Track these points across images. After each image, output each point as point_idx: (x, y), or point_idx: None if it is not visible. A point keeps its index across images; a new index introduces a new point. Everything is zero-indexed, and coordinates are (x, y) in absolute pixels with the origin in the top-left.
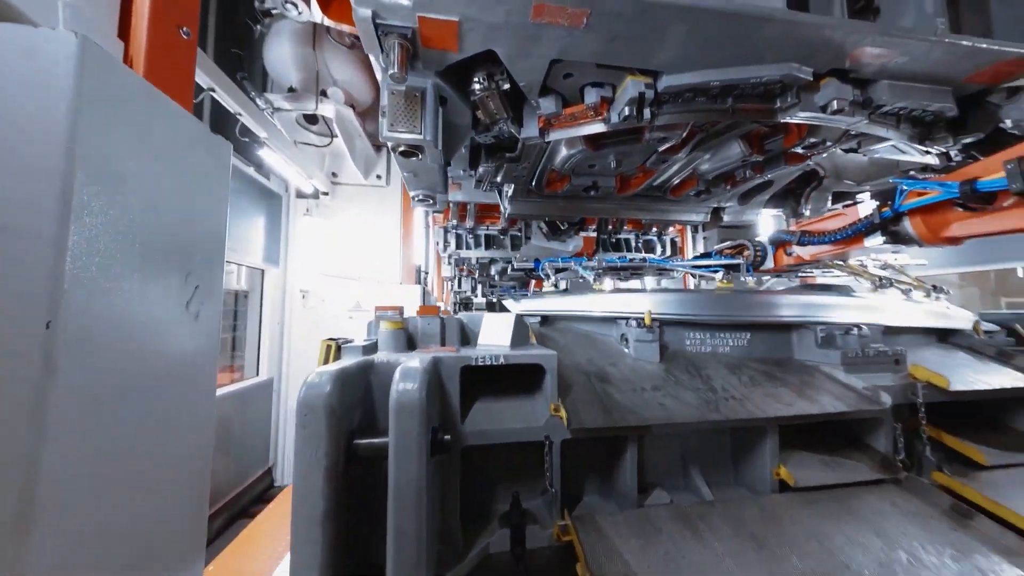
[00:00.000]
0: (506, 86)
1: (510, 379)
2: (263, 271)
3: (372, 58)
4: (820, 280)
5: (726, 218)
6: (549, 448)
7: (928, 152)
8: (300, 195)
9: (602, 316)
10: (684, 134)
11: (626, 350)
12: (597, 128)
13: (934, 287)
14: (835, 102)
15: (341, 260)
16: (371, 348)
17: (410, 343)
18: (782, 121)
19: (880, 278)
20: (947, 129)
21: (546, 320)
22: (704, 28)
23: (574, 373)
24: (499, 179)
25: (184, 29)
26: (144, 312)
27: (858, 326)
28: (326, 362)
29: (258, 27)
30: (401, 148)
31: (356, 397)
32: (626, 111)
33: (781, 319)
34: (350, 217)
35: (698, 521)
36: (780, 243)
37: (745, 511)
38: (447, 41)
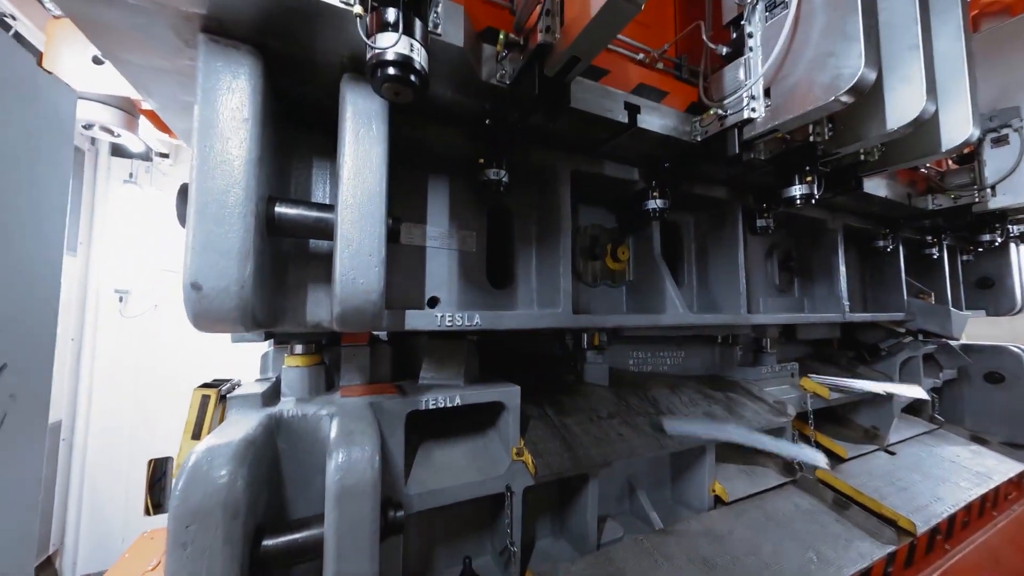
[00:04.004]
0: None
1: (460, 416)
2: None
3: None
4: None
5: None
6: (510, 499)
7: None
8: (120, 153)
9: (546, 335)
10: None
11: (575, 373)
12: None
13: None
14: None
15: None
16: (271, 394)
17: (327, 380)
18: None
19: None
20: None
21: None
22: None
23: (526, 403)
24: None
25: None
26: None
27: (767, 344)
28: (200, 424)
29: None
30: None
31: (263, 478)
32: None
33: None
34: None
35: (655, 553)
36: None
37: (692, 533)
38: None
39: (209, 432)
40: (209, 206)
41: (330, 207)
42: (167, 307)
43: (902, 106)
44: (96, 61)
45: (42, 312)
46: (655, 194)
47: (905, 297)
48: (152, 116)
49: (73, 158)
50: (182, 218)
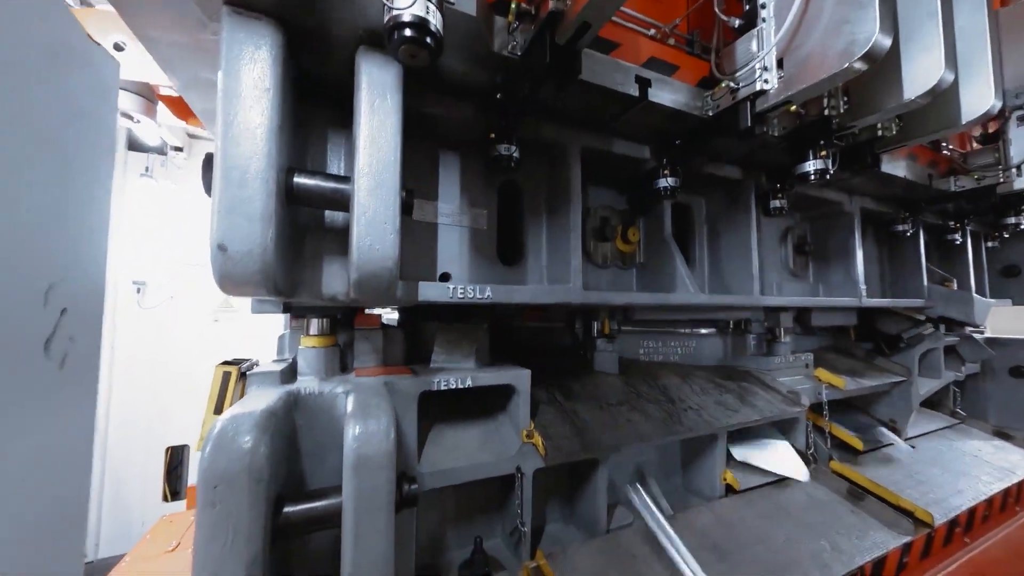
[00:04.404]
0: None
1: (471, 399)
2: None
3: None
4: None
5: None
6: (520, 480)
7: None
8: (136, 147)
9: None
10: None
11: (586, 361)
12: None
13: None
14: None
15: (202, 241)
16: (289, 373)
17: (342, 362)
18: None
19: None
20: None
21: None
22: None
23: (536, 389)
24: None
25: None
26: None
27: (780, 333)
28: (222, 398)
29: None
30: None
31: (282, 449)
32: (594, 328)
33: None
34: None
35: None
36: None
37: (702, 521)
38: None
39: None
40: (233, 172)
41: (346, 179)
42: (182, 298)
43: (920, 75)
44: (116, 48)
45: (92, 270)
46: (666, 172)
47: (925, 283)
48: (169, 102)
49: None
50: (208, 186)
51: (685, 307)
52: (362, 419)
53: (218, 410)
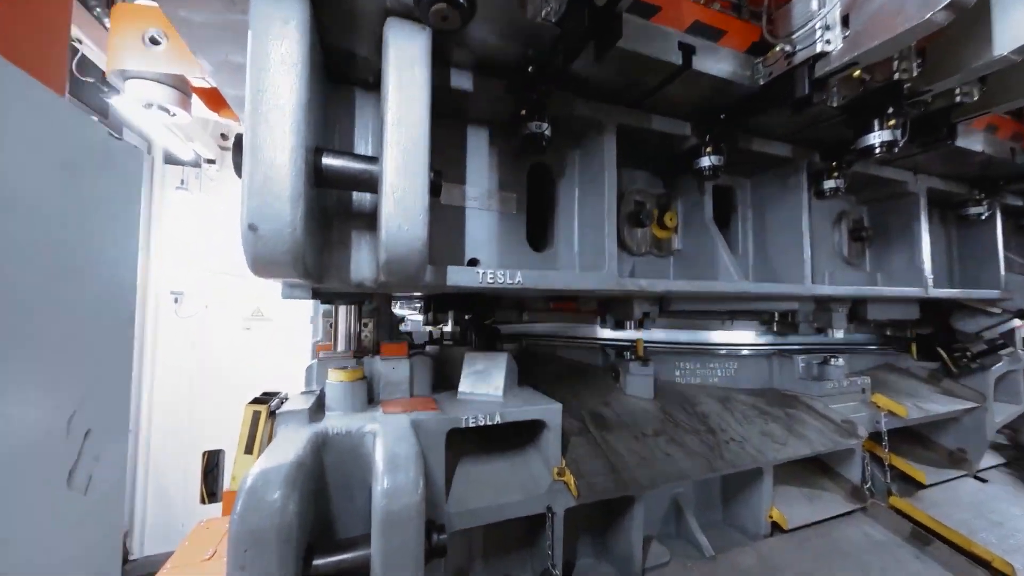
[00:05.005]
0: None
1: (499, 431)
2: None
3: None
4: None
5: None
6: (551, 520)
7: None
8: (171, 161)
9: (587, 343)
10: None
11: (616, 384)
12: (586, 322)
13: None
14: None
15: (233, 251)
16: (317, 408)
17: (369, 393)
18: None
19: None
20: None
21: (523, 346)
22: None
23: (566, 417)
24: None
25: None
26: None
27: (834, 355)
28: (252, 438)
29: None
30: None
31: (311, 496)
32: (627, 325)
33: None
34: None
35: None
36: None
37: (746, 562)
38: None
39: (260, 446)
40: (262, 150)
41: (374, 159)
42: (216, 308)
43: (1014, 27)
44: (153, 42)
45: (117, 384)
46: (708, 150)
47: (1003, 272)
48: (203, 94)
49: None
50: (238, 168)
51: (728, 296)
52: (390, 472)
53: (248, 449)
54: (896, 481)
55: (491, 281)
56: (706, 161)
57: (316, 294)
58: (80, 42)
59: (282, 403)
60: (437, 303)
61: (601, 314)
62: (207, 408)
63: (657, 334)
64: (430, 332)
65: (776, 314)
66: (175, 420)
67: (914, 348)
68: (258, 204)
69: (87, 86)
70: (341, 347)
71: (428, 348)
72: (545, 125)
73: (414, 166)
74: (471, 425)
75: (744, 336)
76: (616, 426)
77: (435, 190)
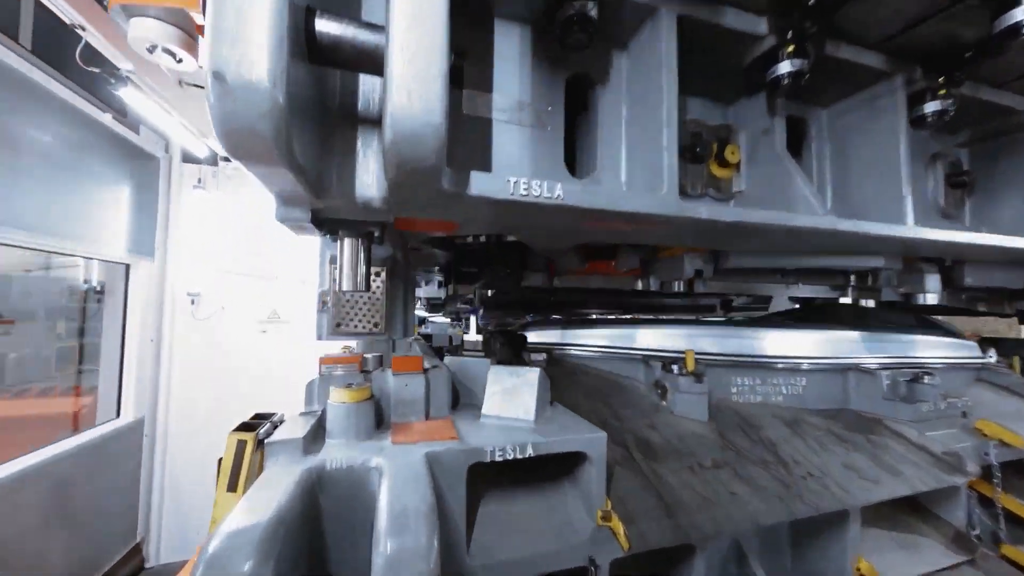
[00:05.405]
0: (511, 238)
1: (528, 461)
2: (128, 265)
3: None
4: None
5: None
6: (595, 575)
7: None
8: (189, 159)
9: (626, 354)
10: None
11: (663, 402)
12: (626, 286)
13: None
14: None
15: (250, 252)
16: (314, 435)
17: (378, 414)
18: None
19: None
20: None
21: (553, 356)
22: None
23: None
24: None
25: None
26: None
27: (927, 371)
28: (236, 473)
29: None
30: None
31: (299, 551)
32: (675, 285)
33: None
34: (265, 192)
35: None
36: None
37: None
38: (439, 228)
39: (246, 482)
40: None
41: (380, 28)
42: (232, 309)
43: None
44: None
45: None
46: (789, 51)
47: None
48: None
49: (138, 163)
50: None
51: (808, 233)
52: (396, 534)
53: (232, 486)
54: (1009, 526)
55: (524, 193)
56: (785, 67)
57: (318, 222)
58: (84, 29)
59: (274, 428)
60: (458, 263)
61: (643, 274)
62: (223, 413)
63: (708, 343)
64: (449, 338)
65: (852, 277)
66: (191, 424)
67: (1017, 363)
68: (227, 47)
69: (95, 79)
70: (345, 285)
71: (447, 359)
72: (591, 3)
73: (430, 22)
74: (498, 459)
75: (814, 342)
76: (667, 454)
77: (456, 77)
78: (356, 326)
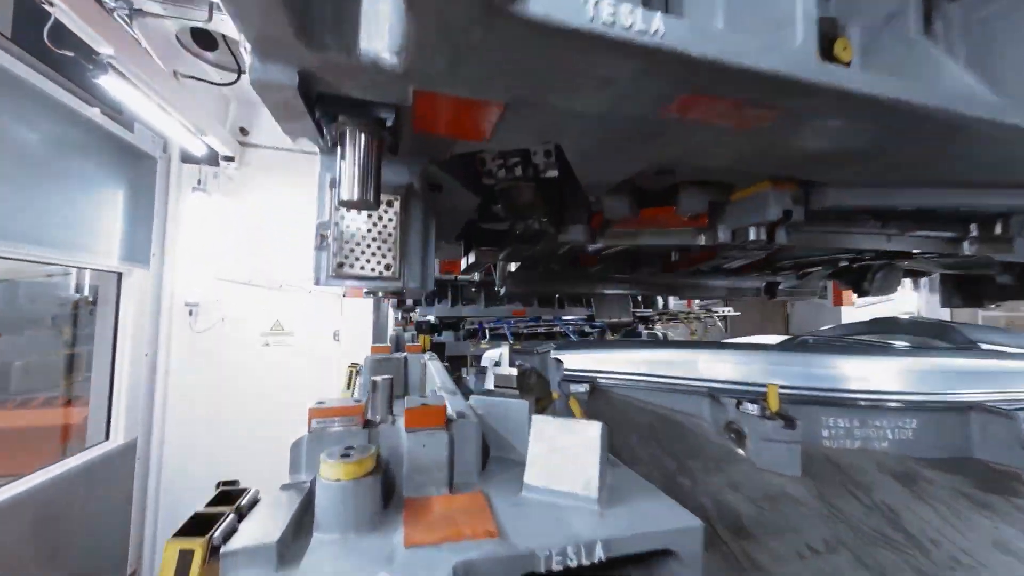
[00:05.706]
0: (552, 173)
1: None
2: (120, 274)
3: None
4: None
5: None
6: None
7: None
8: (188, 159)
9: (685, 386)
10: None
11: (739, 450)
12: (688, 241)
13: None
14: None
15: (252, 259)
16: (296, 528)
17: (386, 484)
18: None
19: None
20: None
21: (595, 387)
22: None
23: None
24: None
25: None
26: None
27: None
28: None
29: None
30: (366, 289)
31: None
32: (752, 233)
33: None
34: (267, 195)
35: None
36: None
37: None
38: (468, 127)
39: None
40: None
41: None
42: (233, 321)
43: None
44: None
45: None
46: None
47: None
48: None
49: (132, 162)
50: None
51: (963, 120)
52: None
53: None
54: None
55: (610, 19)
56: None
57: (308, 99)
58: (51, 4)
59: (239, 520)
60: (482, 216)
61: (711, 223)
62: (223, 435)
63: (795, 375)
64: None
65: (974, 228)
66: (189, 445)
67: None
68: None
69: (71, 64)
70: (345, 194)
71: (473, 400)
72: None
73: None
74: (556, 568)
75: (922, 372)
76: (762, 529)
77: None
78: (363, 267)
